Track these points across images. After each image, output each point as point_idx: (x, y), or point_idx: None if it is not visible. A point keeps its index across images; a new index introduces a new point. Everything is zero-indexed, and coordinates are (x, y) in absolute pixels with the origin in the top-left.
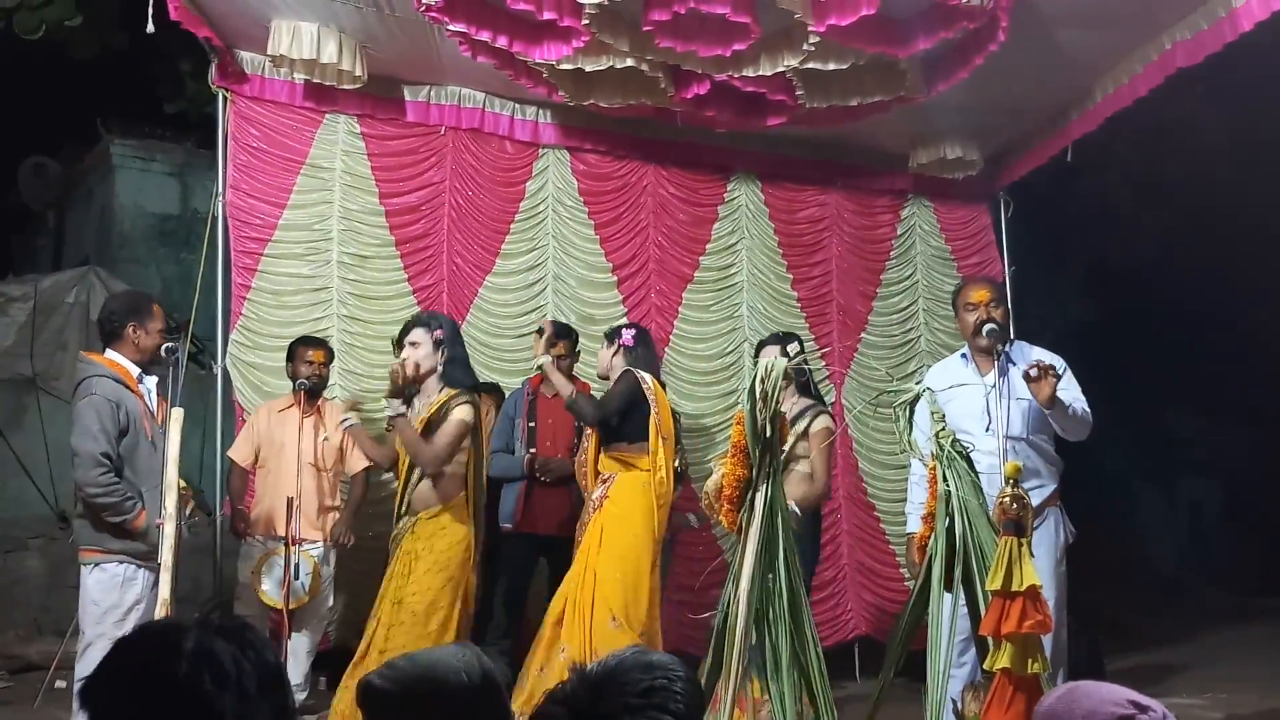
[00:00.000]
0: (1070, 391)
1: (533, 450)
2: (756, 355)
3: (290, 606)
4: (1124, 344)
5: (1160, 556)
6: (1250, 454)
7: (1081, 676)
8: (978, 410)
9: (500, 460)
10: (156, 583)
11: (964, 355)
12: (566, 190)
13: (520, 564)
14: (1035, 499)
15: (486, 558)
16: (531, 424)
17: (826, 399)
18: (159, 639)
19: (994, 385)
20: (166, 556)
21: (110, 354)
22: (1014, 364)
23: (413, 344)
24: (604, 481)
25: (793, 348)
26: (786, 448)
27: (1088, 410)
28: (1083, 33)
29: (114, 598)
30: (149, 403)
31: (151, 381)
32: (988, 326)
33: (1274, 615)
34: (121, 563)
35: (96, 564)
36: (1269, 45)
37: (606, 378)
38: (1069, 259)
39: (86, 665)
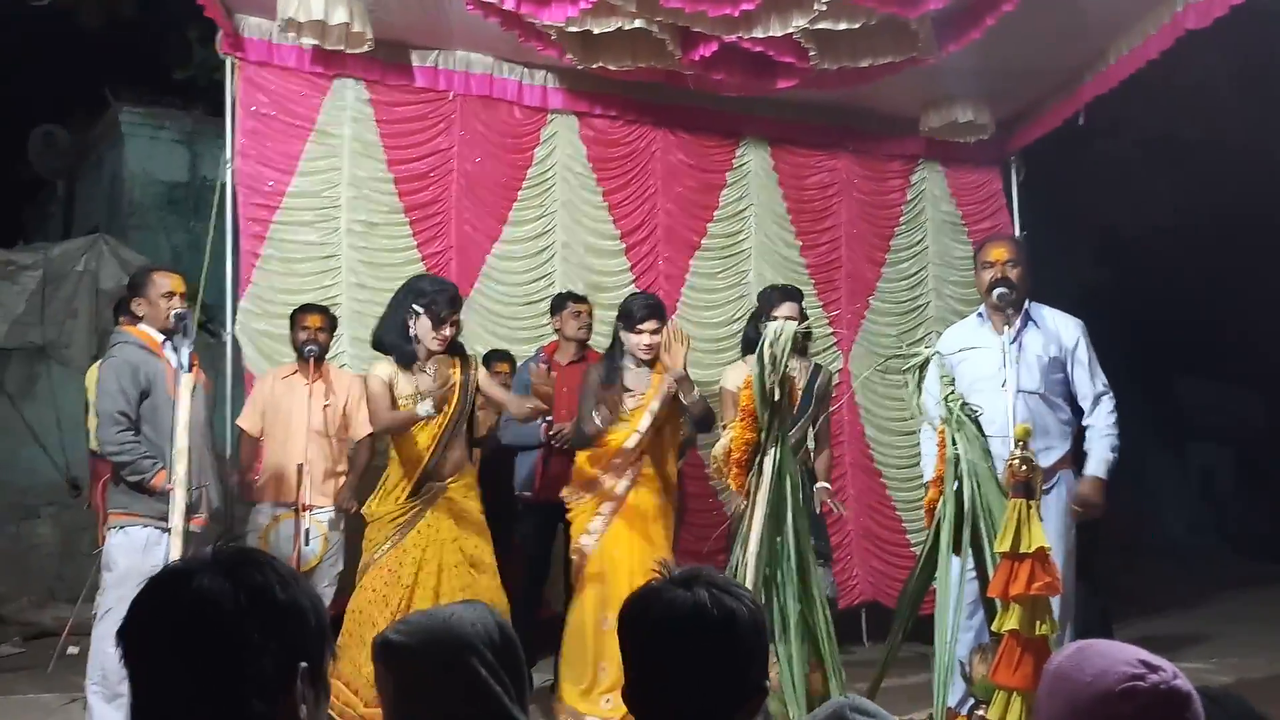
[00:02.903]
0: (1105, 445)
1: (549, 419)
2: (765, 312)
3: (299, 570)
4: (1135, 310)
5: (1171, 523)
6: (1262, 420)
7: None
8: (993, 369)
9: (514, 428)
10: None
11: (980, 314)
12: (575, 156)
13: (542, 532)
14: (1046, 460)
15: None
16: None
17: (834, 365)
18: (164, 583)
19: (1012, 341)
20: (176, 521)
21: (141, 325)
22: (1034, 323)
23: (454, 324)
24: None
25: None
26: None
27: (1112, 422)
28: None
29: (134, 561)
30: (176, 368)
31: (185, 352)
32: (999, 291)
33: None
34: (145, 526)
35: (120, 527)
36: None
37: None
38: (1080, 224)
39: (104, 630)
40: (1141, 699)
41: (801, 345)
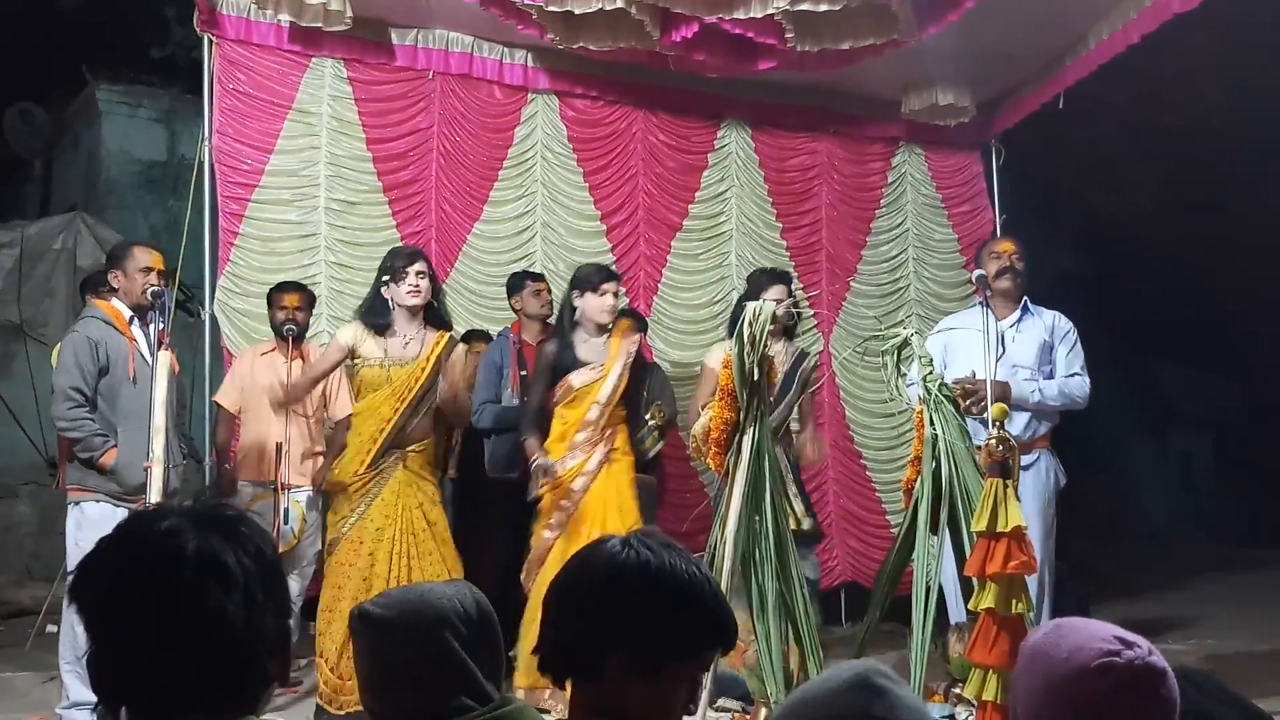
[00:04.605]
0: (1050, 385)
1: (527, 399)
2: (754, 294)
3: (279, 550)
4: (1115, 296)
5: (1151, 508)
6: (1240, 407)
7: None
8: (994, 344)
9: (494, 410)
10: None
11: (981, 303)
12: (555, 137)
13: (519, 514)
14: (1026, 435)
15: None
16: (523, 372)
17: (814, 348)
18: (158, 541)
19: (1012, 325)
20: (154, 499)
21: (112, 300)
22: (1031, 314)
23: (421, 274)
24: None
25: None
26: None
27: (1074, 391)
28: None
29: (91, 537)
30: (143, 346)
31: (154, 330)
32: (1006, 277)
33: (1262, 565)
34: (99, 501)
35: (77, 503)
36: None
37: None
38: (1061, 209)
39: (70, 612)
40: (1117, 674)
41: (788, 328)
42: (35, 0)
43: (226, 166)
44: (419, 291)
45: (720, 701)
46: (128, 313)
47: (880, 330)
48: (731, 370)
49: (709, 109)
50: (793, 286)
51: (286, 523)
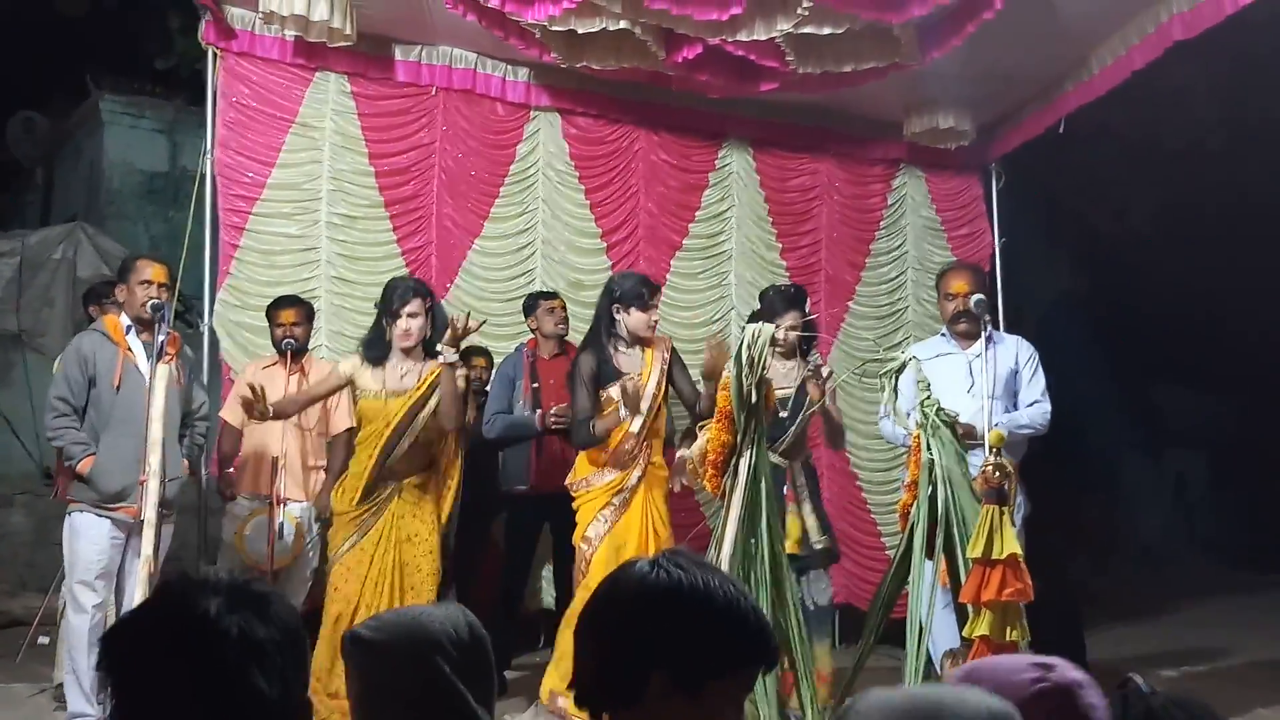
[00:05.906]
0: (1015, 418)
1: (539, 410)
2: (767, 317)
3: (274, 566)
4: (1113, 316)
5: (1145, 527)
6: (1236, 426)
7: (1059, 646)
8: (960, 375)
9: (504, 420)
10: (129, 536)
11: (944, 335)
12: (557, 154)
13: (532, 527)
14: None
15: (483, 523)
16: (535, 385)
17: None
18: (202, 625)
19: (978, 355)
20: (150, 513)
21: (120, 314)
22: (994, 343)
23: (413, 315)
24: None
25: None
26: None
27: (1036, 420)
28: (1079, 2)
29: (76, 546)
30: (139, 357)
31: (159, 340)
32: (963, 322)
33: (1258, 587)
34: (83, 511)
35: (68, 513)
36: (1265, 19)
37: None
38: (1060, 231)
39: (66, 622)
40: (1054, 698)
41: (804, 349)
42: (39, 9)
43: (228, 179)
44: (409, 336)
45: None
46: (126, 323)
47: (878, 353)
48: (729, 393)
49: (710, 129)
50: (805, 308)
51: (281, 537)
